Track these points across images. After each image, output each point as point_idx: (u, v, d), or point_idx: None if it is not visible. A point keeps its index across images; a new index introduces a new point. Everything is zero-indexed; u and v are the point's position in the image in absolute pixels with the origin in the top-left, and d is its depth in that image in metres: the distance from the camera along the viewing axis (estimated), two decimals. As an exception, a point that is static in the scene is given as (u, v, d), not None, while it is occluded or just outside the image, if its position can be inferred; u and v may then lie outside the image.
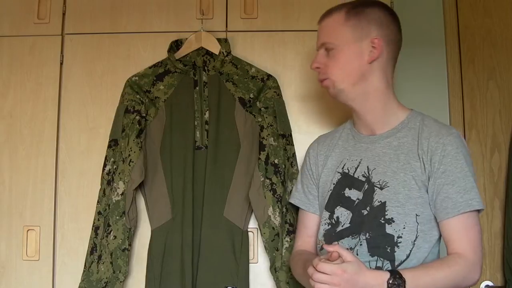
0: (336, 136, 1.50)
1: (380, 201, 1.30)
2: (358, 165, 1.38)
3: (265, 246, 1.67)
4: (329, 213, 1.40)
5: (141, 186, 1.74)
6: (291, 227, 1.66)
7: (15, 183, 1.81)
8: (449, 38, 1.96)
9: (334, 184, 1.41)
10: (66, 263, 1.78)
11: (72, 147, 1.83)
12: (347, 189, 1.38)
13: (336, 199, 1.40)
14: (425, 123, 1.34)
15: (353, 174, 1.38)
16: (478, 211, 1.27)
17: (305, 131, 1.79)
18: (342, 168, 1.41)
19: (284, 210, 1.66)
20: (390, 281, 1.15)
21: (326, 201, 1.42)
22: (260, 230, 1.68)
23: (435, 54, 1.97)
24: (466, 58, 1.94)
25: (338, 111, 1.81)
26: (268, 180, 1.67)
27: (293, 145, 1.75)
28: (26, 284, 1.76)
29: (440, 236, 1.30)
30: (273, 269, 1.65)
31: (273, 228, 1.64)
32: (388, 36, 1.34)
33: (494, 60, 1.94)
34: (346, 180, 1.39)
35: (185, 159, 1.72)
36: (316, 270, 1.15)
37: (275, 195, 1.66)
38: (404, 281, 1.16)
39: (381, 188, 1.31)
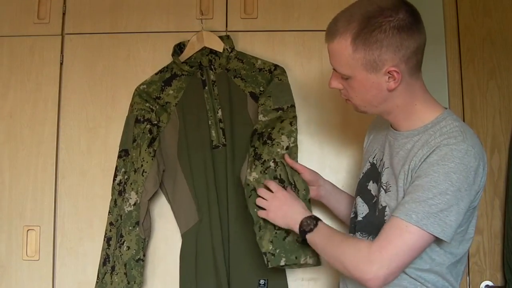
0: (384, 120, 1.40)
1: (382, 205, 1.26)
2: (382, 158, 1.34)
3: (247, 205, 1.57)
4: (354, 202, 1.40)
5: (164, 192, 1.74)
6: (282, 184, 1.55)
7: (15, 183, 1.81)
8: (449, 38, 1.96)
9: (363, 173, 1.40)
10: (66, 263, 1.78)
11: (72, 147, 1.83)
12: (371, 181, 1.35)
13: (359, 189, 1.39)
14: (440, 129, 1.21)
15: (378, 166, 1.34)
16: (431, 235, 1.13)
17: (305, 131, 1.79)
18: (373, 158, 1.38)
19: (272, 164, 1.58)
20: (304, 221, 1.35)
21: (355, 189, 1.42)
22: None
23: (435, 54, 1.97)
24: (466, 58, 1.94)
25: (338, 111, 1.81)
26: (252, 148, 1.63)
27: (295, 112, 1.68)
28: (26, 284, 1.76)
29: (458, 252, 1.23)
30: (258, 227, 1.52)
31: (248, 184, 1.55)
32: (405, 55, 1.18)
33: (494, 60, 1.94)
34: (372, 171, 1.36)
35: (204, 159, 1.71)
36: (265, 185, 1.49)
37: (255, 156, 1.60)
38: (314, 226, 1.33)
39: (386, 191, 1.27)
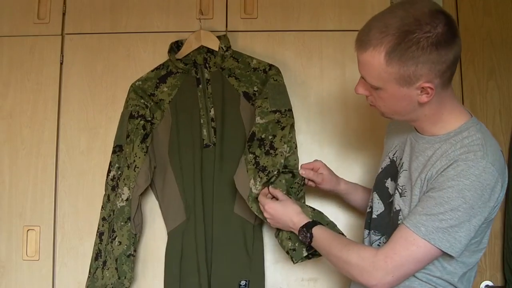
0: None
1: (396, 208, 1.25)
2: (401, 157, 1.30)
3: (259, 216, 1.57)
4: (371, 196, 1.38)
5: (154, 190, 1.75)
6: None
7: (15, 183, 1.81)
8: (449, 38, 1.95)
9: (382, 168, 1.38)
10: (66, 263, 1.78)
11: (72, 147, 1.83)
12: (389, 179, 1.33)
13: (376, 184, 1.37)
14: (461, 140, 1.17)
15: (397, 165, 1.31)
16: (439, 249, 1.13)
17: (305, 131, 1.79)
18: (393, 154, 1.35)
19: (276, 173, 1.56)
20: (300, 235, 1.35)
21: (374, 183, 1.40)
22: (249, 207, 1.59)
23: (435, 54, 1.97)
24: (466, 58, 1.94)
25: (338, 111, 1.81)
26: (251, 155, 1.61)
27: (293, 117, 1.68)
28: (26, 284, 1.76)
29: (470, 261, 1.22)
30: (276, 233, 1.50)
31: (257, 198, 1.53)
32: (441, 70, 1.12)
33: (494, 60, 1.94)
34: (391, 168, 1.34)
35: (194, 158, 1.71)
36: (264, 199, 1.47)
37: (258, 167, 1.59)
38: (311, 238, 1.31)
39: (401, 195, 1.25)
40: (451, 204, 1.11)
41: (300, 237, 1.36)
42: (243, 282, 1.64)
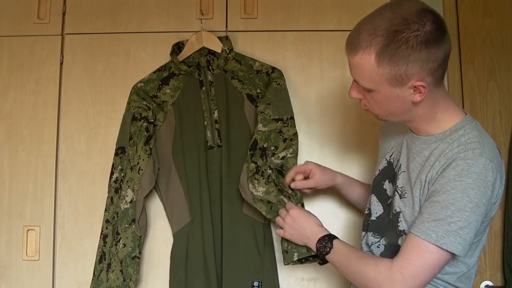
0: None
1: (396, 210, 1.25)
2: (398, 159, 1.31)
3: (267, 218, 1.59)
4: (369, 199, 1.39)
5: (158, 191, 1.74)
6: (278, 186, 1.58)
7: (15, 183, 1.81)
8: (449, 39, 1.95)
9: (379, 170, 1.38)
10: (66, 263, 1.78)
11: (72, 147, 1.83)
12: (386, 181, 1.34)
13: (374, 186, 1.37)
14: (458, 138, 1.18)
15: (394, 166, 1.32)
16: (450, 252, 1.12)
17: (305, 131, 1.79)
18: (390, 156, 1.36)
19: (269, 171, 1.59)
20: (318, 244, 1.34)
21: (371, 185, 1.40)
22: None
23: (435, 54, 1.97)
24: (466, 59, 1.94)
25: (338, 111, 1.81)
26: (253, 164, 1.62)
27: (294, 126, 1.69)
28: (26, 284, 1.76)
29: (471, 261, 1.23)
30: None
31: (261, 200, 1.56)
32: (432, 68, 1.13)
33: (494, 61, 1.94)
34: (388, 170, 1.34)
35: (198, 159, 1.72)
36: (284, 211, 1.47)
37: (257, 172, 1.60)
38: (330, 249, 1.31)
39: (400, 197, 1.25)
40: (457, 205, 1.11)
41: (317, 245, 1.35)
42: (256, 283, 1.64)
